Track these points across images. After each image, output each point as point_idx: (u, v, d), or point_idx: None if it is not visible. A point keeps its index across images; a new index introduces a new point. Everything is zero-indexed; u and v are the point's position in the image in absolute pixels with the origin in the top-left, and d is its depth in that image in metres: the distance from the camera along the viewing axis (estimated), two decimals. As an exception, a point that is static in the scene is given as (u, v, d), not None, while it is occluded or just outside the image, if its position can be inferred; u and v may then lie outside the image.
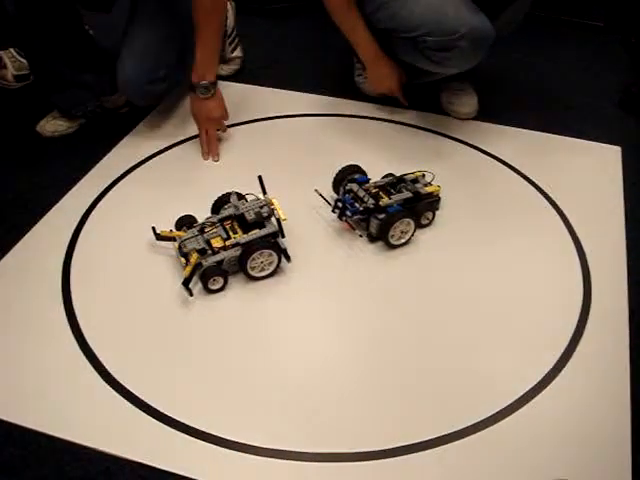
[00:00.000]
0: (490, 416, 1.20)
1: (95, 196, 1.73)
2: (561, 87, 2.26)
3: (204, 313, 1.40)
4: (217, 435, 1.17)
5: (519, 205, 1.70)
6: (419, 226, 1.57)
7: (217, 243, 1.45)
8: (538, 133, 1.99)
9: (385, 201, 1.52)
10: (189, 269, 1.39)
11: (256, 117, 2.05)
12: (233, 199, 1.51)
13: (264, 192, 1.54)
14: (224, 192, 1.56)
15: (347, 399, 1.23)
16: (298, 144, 1.93)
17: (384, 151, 1.87)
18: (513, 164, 1.85)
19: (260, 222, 1.47)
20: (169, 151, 1.91)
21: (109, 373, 1.27)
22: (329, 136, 1.96)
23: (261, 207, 1.48)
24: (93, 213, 1.68)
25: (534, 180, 1.79)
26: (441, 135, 1.97)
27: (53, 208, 1.68)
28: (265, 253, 1.43)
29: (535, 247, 1.57)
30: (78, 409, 1.21)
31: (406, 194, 1.55)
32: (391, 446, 1.15)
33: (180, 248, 1.45)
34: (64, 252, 1.55)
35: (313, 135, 1.97)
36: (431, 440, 1.16)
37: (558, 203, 1.71)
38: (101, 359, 1.30)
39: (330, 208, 1.59)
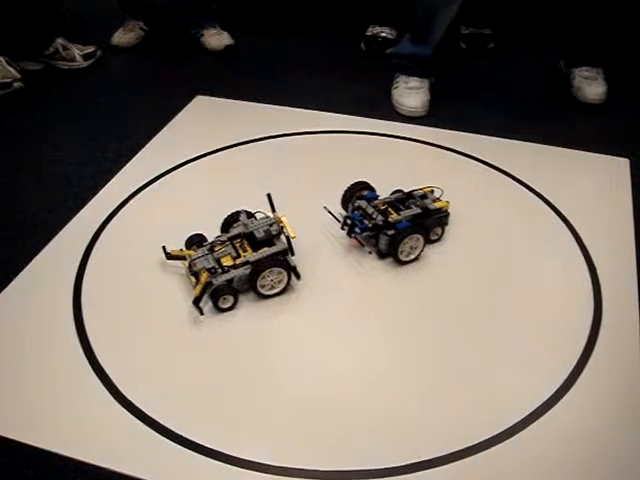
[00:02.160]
0: (499, 433, 1.19)
1: (106, 215, 1.73)
2: (567, 99, 2.27)
3: (214, 332, 1.40)
4: (227, 453, 1.16)
5: (527, 218, 1.70)
6: (428, 242, 1.57)
7: (227, 262, 1.45)
8: (545, 146, 1.99)
9: (394, 217, 1.53)
10: (199, 288, 1.40)
11: (263, 135, 2.06)
12: (242, 217, 1.52)
13: (273, 210, 1.55)
14: (234, 210, 1.57)
15: (357, 416, 1.23)
16: (305, 161, 1.94)
17: (392, 167, 1.87)
18: (520, 177, 1.85)
19: (269, 240, 1.47)
20: (179, 169, 1.92)
21: (120, 391, 1.27)
22: (336, 153, 1.97)
23: (270, 225, 1.48)
24: (104, 232, 1.68)
25: (542, 193, 1.79)
26: (448, 150, 1.97)
27: (65, 227, 1.69)
28: (275, 271, 1.43)
29: (544, 261, 1.56)
30: (89, 428, 1.21)
31: (415, 210, 1.55)
32: (400, 464, 1.15)
33: (190, 267, 1.46)
34: (75, 271, 1.56)
35: (320, 152, 1.98)
36: (440, 457, 1.15)
37: (566, 216, 1.70)
38: (112, 377, 1.30)
39: (339, 225, 1.59)
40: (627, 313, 1.43)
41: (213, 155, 1.99)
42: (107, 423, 1.22)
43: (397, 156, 1.95)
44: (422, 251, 1.55)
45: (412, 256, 1.54)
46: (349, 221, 1.55)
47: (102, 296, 1.49)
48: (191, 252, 1.49)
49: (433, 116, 2.14)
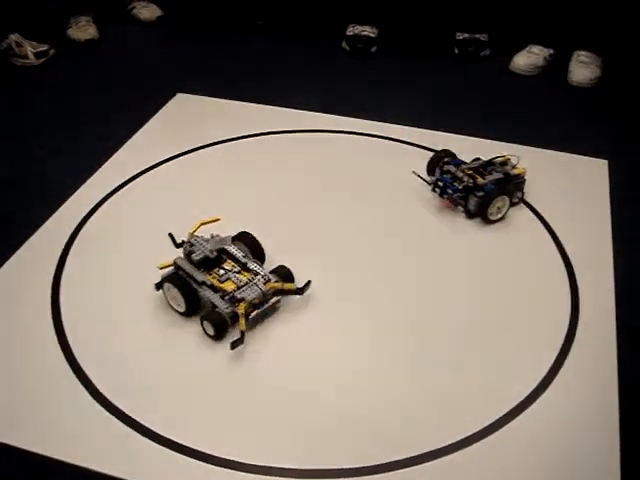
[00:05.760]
0: (476, 432, 1.19)
1: (84, 214, 1.71)
2: (546, 100, 2.34)
3: (197, 330, 1.37)
4: (211, 454, 1.15)
5: (505, 218, 1.70)
6: (510, 204, 1.69)
7: (245, 276, 1.40)
8: (524, 147, 2.00)
9: (481, 181, 1.65)
10: (290, 285, 1.40)
11: (244, 134, 2.05)
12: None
13: (175, 244, 1.48)
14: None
15: (342, 414, 1.22)
16: (288, 160, 1.94)
17: (375, 167, 1.89)
18: None
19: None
20: (159, 167, 1.91)
21: (99, 391, 1.25)
22: (320, 153, 1.98)
23: (208, 241, 1.44)
24: (82, 230, 1.65)
25: None
26: (426, 149, 1.96)
27: (42, 225, 1.65)
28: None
29: (522, 261, 1.59)
30: (68, 428, 1.19)
31: (498, 175, 1.68)
32: (380, 462, 1.14)
33: (261, 304, 1.37)
34: (54, 269, 1.53)
35: (303, 152, 1.99)
36: (420, 455, 1.15)
37: (545, 217, 1.73)
38: (91, 377, 1.28)
39: (430, 188, 1.70)
40: (604, 313, 1.44)
41: (194, 153, 1.97)
42: (87, 423, 1.20)
43: (380, 156, 1.96)
44: (507, 212, 1.67)
45: (499, 215, 1.67)
46: (440, 183, 1.66)
47: (81, 295, 1.47)
48: (241, 311, 1.33)
49: (422, 117, 2.16)
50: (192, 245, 1.42)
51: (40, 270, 1.52)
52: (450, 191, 1.65)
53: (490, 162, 1.74)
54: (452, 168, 1.69)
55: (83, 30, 2.63)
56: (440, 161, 1.74)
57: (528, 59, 2.46)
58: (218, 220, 1.49)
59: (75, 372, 1.28)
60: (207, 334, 1.35)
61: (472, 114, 2.22)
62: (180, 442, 1.16)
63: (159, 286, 1.40)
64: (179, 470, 1.11)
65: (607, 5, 2.32)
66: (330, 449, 1.16)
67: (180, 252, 1.46)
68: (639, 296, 1.51)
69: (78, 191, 1.78)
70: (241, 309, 1.31)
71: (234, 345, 1.29)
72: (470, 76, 2.49)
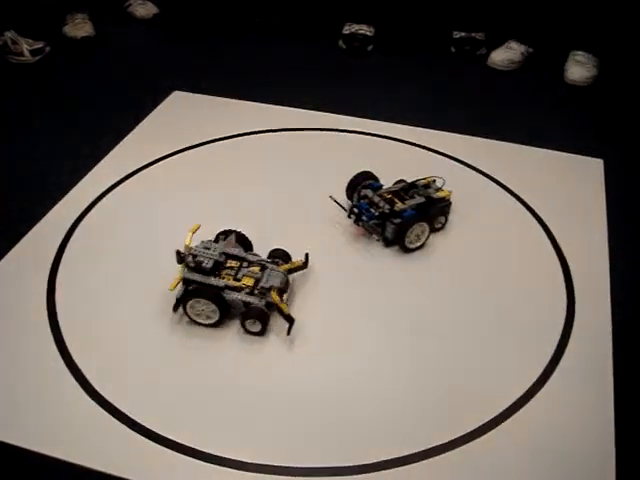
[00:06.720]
0: (472, 431, 1.20)
1: (79, 213, 1.72)
2: (543, 99, 2.32)
3: (195, 328, 1.39)
4: (204, 451, 1.16)
5: (502, 218, 1.71)
6: (432, 230, 1.61)
7: (255, 268, 1.43)
8: (520, 146, 2.01)
9: (399, 206, 1.56)
10: (297, 262, 1.47)
11: (241, 132, 2.05)
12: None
13: (180, 261, 1.41)
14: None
15: (336, 413, 1.23)
16: (285, 157, 1.95)
17: (373, 164, 1.81)
18: (495, 176, 1.87)
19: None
20: (154, 165, 1.91)
21: (95, 389, 1.26)
22: (316, 150, 1.98)
23: (209, 247, 1.43)
24: (77, 229, 1.66)
25: (517, 193, 1.81)
26: (423, 148, 1.98)
27: (37, 224, 1.67)
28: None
29: (518, 261, 1.58)
30: (62, 425, 1.20)
31: (419, 199, 1.59)
32: (374, 460, 1.15)
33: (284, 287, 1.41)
34: (49, 267, 1.54)
35: (301, 149, 1.98)
36: (418, 453, 1.16)
37: (541, 216, 1.72)
38: (86, 375, 1.29)
39: (346, 214, 1.62)
40: (599, 313, 1.44)
41: (191, 151, 1.97)
42: (82, 421, 1.20)
43: (374, 154, 1.95)
44: (427, 239, 1.59)
45: (418, 244, 1.58)
46: (356, 210, 1.58)
47: (75, 295, 1.47)
48: (277, 298, 1.37)
49: (419, 116, 2.15)
50: (195, 256, 1.40)
51: (36, 268, 1.53)
52: (365, 218, 1.57)
53: (413, 184, 1.65)
54: (369, 193, 1.61)
55: (79, 27, 2.65)
56: (359, 184, 1.65)
57: (505, 54, 2.45)
58: (200, 226, 1.46)
59: (72, 372, 1.29)
60: (250, 332, 1.36)
61: (469, 112, 2.21)
62: (176, 440, 1.17)
63: (177, 306, 1.38)
64: (174, 467, 1.13)
65: (603, 6, 2.28)
66: (329, 447, 1.17)
67: (177, 269, 1.42)
68: (635, 295, 1.51)
69: (74, 189, 1.80)
70: (275, 297, 1.35)
71: (290, 330, 1.34)
72: (467, 75, 2.49)
